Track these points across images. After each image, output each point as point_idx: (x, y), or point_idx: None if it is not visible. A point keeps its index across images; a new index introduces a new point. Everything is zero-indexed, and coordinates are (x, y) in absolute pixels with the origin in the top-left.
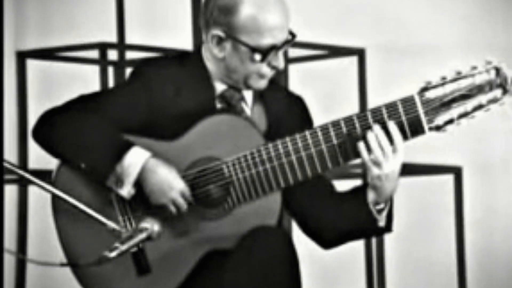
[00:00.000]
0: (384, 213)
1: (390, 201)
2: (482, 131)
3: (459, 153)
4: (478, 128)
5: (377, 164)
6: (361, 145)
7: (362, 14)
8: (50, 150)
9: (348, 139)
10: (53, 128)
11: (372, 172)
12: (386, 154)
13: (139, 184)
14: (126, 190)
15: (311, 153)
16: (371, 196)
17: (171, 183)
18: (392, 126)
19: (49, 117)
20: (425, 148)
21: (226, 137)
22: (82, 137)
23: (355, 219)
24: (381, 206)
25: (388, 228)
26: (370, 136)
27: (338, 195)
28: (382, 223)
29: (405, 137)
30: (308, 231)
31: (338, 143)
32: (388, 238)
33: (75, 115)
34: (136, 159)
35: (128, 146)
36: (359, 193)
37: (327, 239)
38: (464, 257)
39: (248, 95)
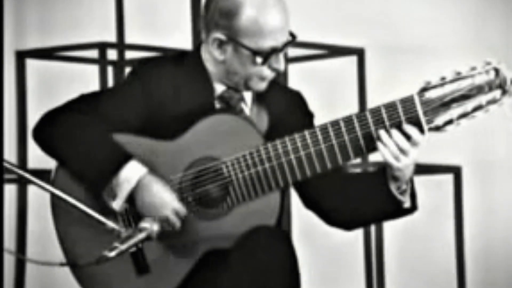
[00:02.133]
0: (407, 194)
1: (410, 181)
2: (481, 130)
3: (458, 152)
4: (477, 127)
5: (397, 159)
6: (381, 141)
7: (362, 14)
8: (49, 153)
9: (348, 138)
10: (53, 131)
11: (393, 166)
12: (405, 150)
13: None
14: (118, 204)
15: (310, 153)
16: (392, 184)
17: (164, 201)
18: (405, 126)
19: (50, 119)
20: (424, 147)
21: (225, 137)
22: (81, 144)
23: (380, 206)
24: (403, 188)
25: (414, 207)
26: (384, 137)
27: (354, 178)
28: (407, 204)
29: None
30: (329, 219)
31: (337, 143)
32: (387, 237)
33: (75, 119)
34: (132, 174)
35: (126, 159)
36: (379, 179)
37: (348, 222)
38: (464, 256)
39: (247, 95)
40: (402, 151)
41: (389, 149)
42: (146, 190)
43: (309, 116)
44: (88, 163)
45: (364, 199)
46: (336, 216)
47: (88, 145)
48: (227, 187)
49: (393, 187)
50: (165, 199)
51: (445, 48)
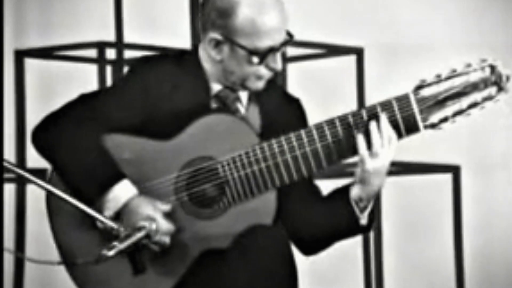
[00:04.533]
0: (367, 212)
1: (373, 200)
2: (480, 130)
3: (457, 152)
4: (476, 127)
5: (372, 155)
6: (359, 136)
7: (361, 13)
8: (45, 158)
9: (343, 137)
10: (51, 138)
11: (365, 164)
12: (383, 146)
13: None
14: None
15: (306, 152)
16: (355, 191)
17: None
18: (385, 122)
19: (49, 124)
20: (423, 147)
21: (221, 137)
22: (76, 156)
23: (336, 219)
24: (364, 203)
25: (368, 227)
26: (372, 126)
27: (321, 198)
28: (364, 221)
29: (400, 135)
30: (291, 235)
31: (333, 142)
32: (386, 237)
33: (73, 128)
34: (121, 194)
35: (118, 177)
36: (342, 192)
37: (308, 244)
38: (462, 256)
39: (243, 95)
40: (381, 148)
41: (364, 141)
42: (133, 212)
43: (305, 125)
44: (80, 176)
45: (325, 216)
46: (297, 240)
47: (83, 158)
48: (223, 187)
49: (354, 198)
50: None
51: (444, 48)
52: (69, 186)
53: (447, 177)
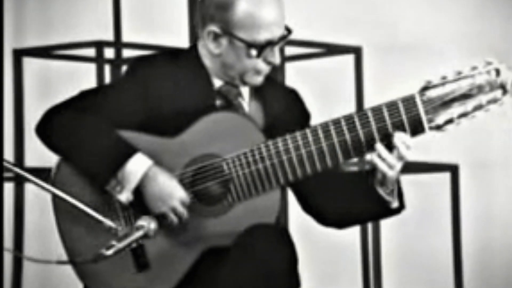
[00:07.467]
0: (395, 193)
1: (397, 181)
2: (479, 129)
3: (455, 151)
4: (475, 126)
5: (391, 168)
6: (375, 158)
7: (359, 12)
8: (53, 148)
9: (349, 137)
10: (57, 127)
11: (387, 174)
12: (397, 158)
13: (139, 190)
14: (125, 196)
15: (311, 151)
16: (379, 186)
17: (171, 192)
18: (397, 135)
19: (53, 115)
20: (421, 146)
21: (226, 135)
22: (86, 139)
23: (369, 206)
24: (391, 187)
25: (401, 206)
26: (377, 151)
27: (345, 178)
28: (395, 204)
29: None
30: (322, 219)
31: (338, 141)
32: (384, 235)
33: (79, 115)
34: (138, 166)
35: (131, 152)
36: (366, 180)
37: (339, 221)
38: (461, 255)
39: (245, 90)
40: (394, 163)
41: (386, 161)
42: (153, 181)
43: (306, 114)
44: (93, 156)
45: (354, 199)
46: (328, 216)
47: (93, 139)
48: (227, 185)
49: (380, 189)
50: (172, 190)
51: (442, 47)
52: (82, 170)
53: (446, 176)
